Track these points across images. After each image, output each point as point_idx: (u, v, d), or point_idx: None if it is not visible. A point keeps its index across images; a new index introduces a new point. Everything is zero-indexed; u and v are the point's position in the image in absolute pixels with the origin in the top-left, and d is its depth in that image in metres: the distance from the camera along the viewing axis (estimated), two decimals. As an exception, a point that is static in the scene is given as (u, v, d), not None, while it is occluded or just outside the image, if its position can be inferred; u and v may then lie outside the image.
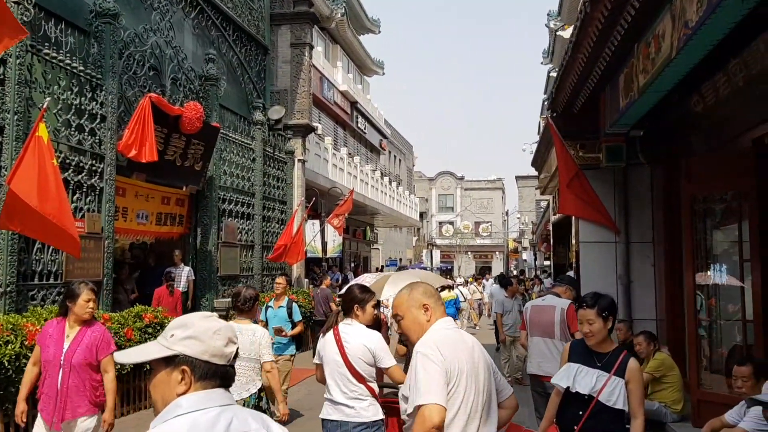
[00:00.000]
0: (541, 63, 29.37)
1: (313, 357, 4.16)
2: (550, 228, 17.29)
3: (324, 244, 16.45)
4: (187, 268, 11.11)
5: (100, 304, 8.24)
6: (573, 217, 8.95)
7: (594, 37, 5.59)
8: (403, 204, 33.26)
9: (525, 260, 43.62)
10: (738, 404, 4.21)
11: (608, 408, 3.37)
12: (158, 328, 8.23)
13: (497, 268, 57.28)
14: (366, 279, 8.63)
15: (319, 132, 19.08)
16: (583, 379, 3.46)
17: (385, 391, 4.69)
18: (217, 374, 1.68)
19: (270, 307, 7.79)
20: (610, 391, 3.37)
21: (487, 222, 59.48)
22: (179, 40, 11.18)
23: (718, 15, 3.95)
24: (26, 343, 5.99)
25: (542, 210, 48.06)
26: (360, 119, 30.30)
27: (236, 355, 1.75)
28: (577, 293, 5.85)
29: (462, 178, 62.16)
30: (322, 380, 4.01)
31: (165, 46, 10.45)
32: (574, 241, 8.85)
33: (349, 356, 3.85)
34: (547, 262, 35.72)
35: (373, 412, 3.85)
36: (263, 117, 13.51)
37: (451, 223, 59.27)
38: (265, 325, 7.44)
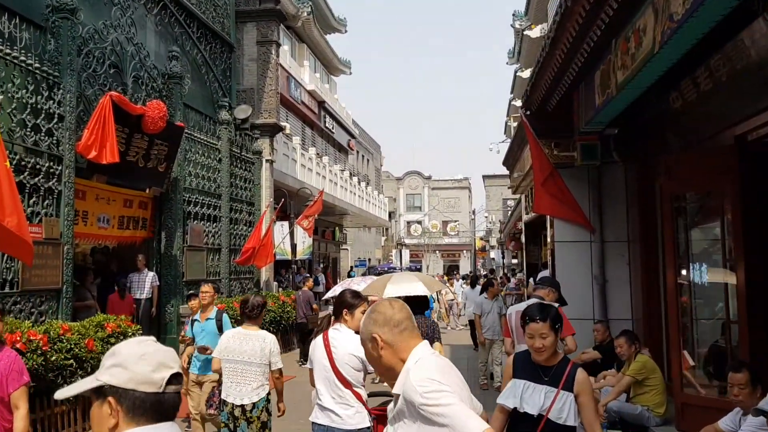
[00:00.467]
0: (507, 63, 29.55)
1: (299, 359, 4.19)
2: (522, 227, 17.26)
3: (293, 246, 16.15)
4: (151, 274, 10.73)
5: (59, 313, 7.86)
6: (548, 217, 8.85)
7: (573, 32, 5.46)
8: (372, 204, 33.06)
9: (493, 259, 43.78)
10: (732, 411, 4.09)
11: (559, 426, 3.18)
12: (121, 337, 7.86)
13: (465, 266, 57.48)
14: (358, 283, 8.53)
15: (287, 132, 18.76)
16: (531, 397, 3.26)
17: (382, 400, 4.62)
18: (147, 404, 1.52)
19: (196, 320, 6.87)
20: (560, 407, 3.18)
21: (455, 221, 59.67)
22: (141, 37, 10.79)
23: (707, 7, 3.83)
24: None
25: (509, 209, 48.32)
26: (328, 119, 30.00)
27: (177, 381, 1.58)
28: (559, 294, 5.67)
29: (429, 178, 62.31)
30: (314, 384, 4.04)
31: (126, 43, 10.05)
32: (549, 240, 8.75)
33: (336, 361, 3.87)
34: (515, 261, 35.87)
35: (359, 419, 3.85)
36: (229, 116, 13.17)
37: (419, 222, 59.32)
38: (192, 341, 6.80)
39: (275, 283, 15.35)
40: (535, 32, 19.07)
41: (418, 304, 5.95)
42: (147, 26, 11.22)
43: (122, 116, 8.98)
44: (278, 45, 15.58)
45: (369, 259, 43.02)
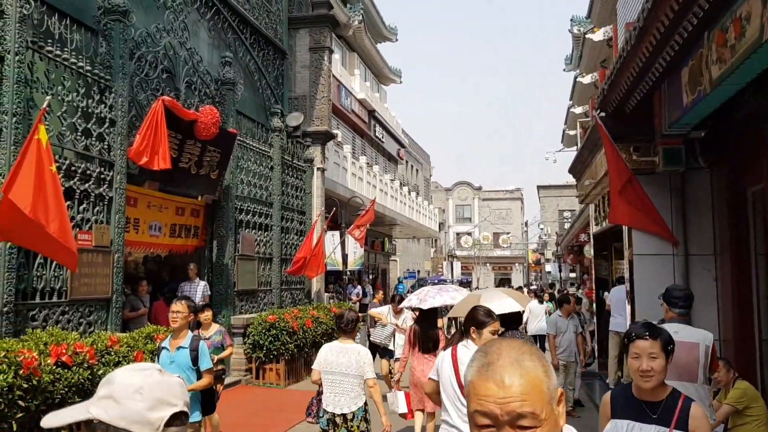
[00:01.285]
0: (564, 70, 28.68)
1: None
2: (589, 238, 16.43)
3: (344, 257, 15.73)
4: (202, 283, 10.43)
5: (109, 324, 7.58)
6: (624, 228, 8.14)
7: (667, 20, 4.85)
8: (422, 214, 32.52)
9: (549, 272, 42.58)
10: None
11: None
12: (171, 350, 7.53)
13: (517, 279, 56.28)
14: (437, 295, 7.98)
15: (338, 140, 18.42)
16: None
17: None
18: None
19: (165, 348, 5.40)
20: None
21: (507, 233, 58.56)
22: (194, 42, 10.57)
23: None
24: (21, 372, 5.30)
25: (566, 220, 47.06)
26: (378, 128, 29.68)
27: (180, 422, 1.36)
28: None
29: (479, 189, 61.50)
30: (432, 395, 3.98)
31: (179, 48, 9.83)
32: (627, 253, 8.03)
33: (464, 380, 3.43)
34: (572, 275, 34.74)
35: None
36: (281, 123, 12.86)
37: (469, 233, 58.44)
38: None
39: (326, 294, 14.94)
40: (598, 35, 18.28)
41: (513, 320, 5.90)
42: (200, 31, 11.01)
43: (175, 122, 8.72)
44: (331, 51, 15.27)
45: (418, 271, 42.42)
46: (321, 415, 5.23)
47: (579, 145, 28.46)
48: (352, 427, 5.07)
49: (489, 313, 4.07)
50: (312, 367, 5.43)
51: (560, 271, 35.71)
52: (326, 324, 12.37)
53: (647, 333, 2.83)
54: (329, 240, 15.65)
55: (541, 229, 49.20)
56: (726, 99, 5.77)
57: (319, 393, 5.36)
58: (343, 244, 15.59)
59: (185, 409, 1.37)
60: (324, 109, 14.55)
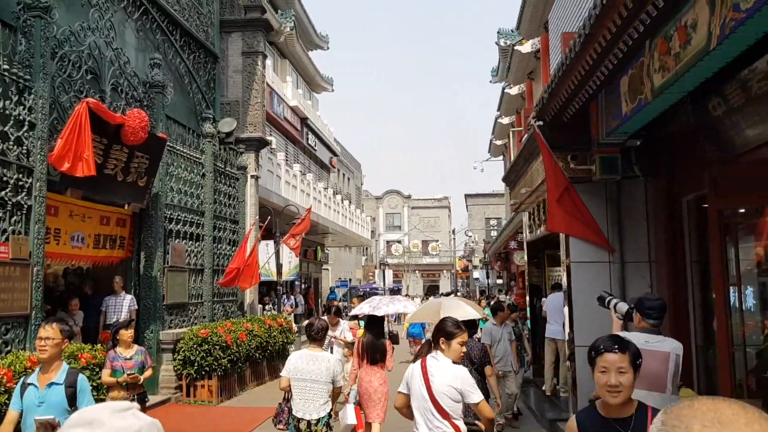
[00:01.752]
0: (490, 81, 29.20)
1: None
2: (520, 245, 16.69)
3: (279, 266, 15.36)
4: (129, 297, 9.90)
5: (27, 342, 7.03)
6: (562, 236, 8.24)
7: (614, 27, 4.88)
8: (354, 223, 32.37)
9: (477, 279, 43.19)
10: None
11: None
12: (96, 370, 7.06)
13: (445, 286, 56.91)
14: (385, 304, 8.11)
15: (272, 146, 18.06)
16: None
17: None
18: None
19: (32, 385, 4.16)
20: None
21: (435, 241, 59.23)
22: (121, 42, 10.07)
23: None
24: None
25: (492, 228, 48.00)
26: (310, 136, 29.37)
27: None
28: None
29: (409, 197, 62.02)
30: (402, 409, 3.98)
31: (105, 48, 9.33)
32: (564, 261, 8.12)
33: (435, 391, 3.77)
34: (499, 281, 35.34)
35: None
36: (213, 129, 12.45)
37: (399, 242, 58.77)
38: (19, 417, 4.12)
39: (260, 306, 14.54)
40: (526, 47, 18.67)
41: (469, 328, 5.99)
42: (127, 31, 10.51)
43: (100, 125, 8.25)
44: (264, 56, 14.96)
45: (350, 279, 42.20)
46: (290, 421, 5.40)
47: (506, 154, 29.06)
48: (316, 431, 5.26)
49: (458, 324, 4.07)
50: (281, 374, 5.62)
51: (488, 277, 36.27)
52: (261, 337, 12.00)
53: (616, 346, 2.73)
54: (263, 250, 15.26)
55: (469, 236, 49.93)
56: (667, 107, 5.90)
57: (287, 400, 5.52)
58: (277, 253, 15.23)
59: None
60: (258, 115, 14.20)
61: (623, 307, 4.61)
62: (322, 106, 46.45)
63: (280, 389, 5.64)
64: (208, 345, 10.17)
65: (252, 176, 14.09)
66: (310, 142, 29.17)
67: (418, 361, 3.96)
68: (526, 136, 9.82)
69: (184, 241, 11.37)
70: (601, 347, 2.78)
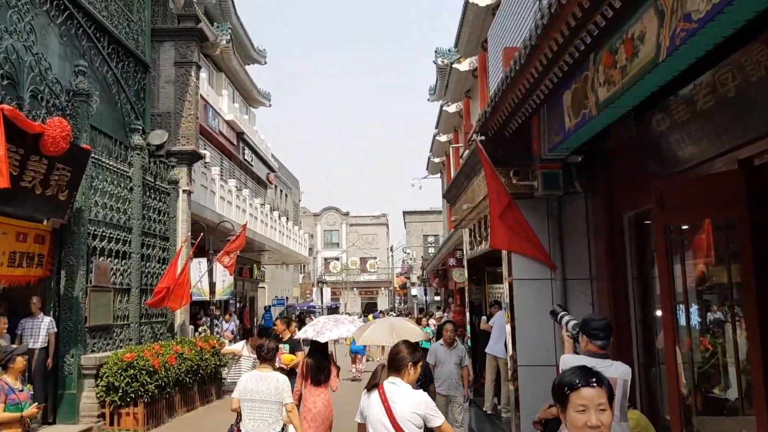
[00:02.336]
0: (428, 100, 29.44)
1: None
2: (459, 262, 16.62)
3: (212, 285, 14.75)
4: (47, 319, 9.20)
5: (-75, 371, 6.33)
6: (504, 253, 8.11)
7: (561, 38, 4.77)
8: (291, 239, 31.81)
9: (415, 296, 43.18)
10: None
11: None
12: None
13: (383, 303, 56.77)
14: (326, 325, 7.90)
15: (206, 160, 17.47)
16: None
17: None
18: None
19: None
20: None
21: (373, 257, 59.12)
22: (42, 47, 9.45)
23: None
24: None
25: (430, 245, 48.23)
26: (247, 151, 28.78)
27: None
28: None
29: (347, 214, 61.92)
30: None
31: (23, 52, 8.71)
32: (506, 278, 7.99)
33: (398, 418, 3.69)
34: (437, 298, 35.40)
35: None
36: (142, 141, 11.86)
37: (338, 259, 58.37)
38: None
39: (191, 327, 13.89)
40: (464, 65, 18.83)
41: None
42: (50, 36, 9.88)
43: (17, 135, 7.66)
44: (198, 67, 14.46)
45: (287, 297, 41.45)
46: None
47: (443, 172, 29.23)
48: None
49: (416, 347, 4.13)
50: (231, 395, 5.69)
51: (426, 294, 36.30)
52: (191, 360, 11.41)
53: (593, 380, 2.28)
54: (195, 268, 14.64)
55: (407, 253, 50.03)
56: (612, 121, 5.84)
57: (238, 422, 5.61)
58: (210, 272, 14.63)
59: None
60: (191, 128, 13.67)
61: (571, 327, 4.45)
62: (259, 121, 45.87)
63: (231, 410, 5.70)
64: (133, 370, 9.54)
65: (184, 191, 13.52)
66: (246, 157, 28.57)
67: (373, 390, 3.85)
68: (466, 152, 9.73)
69: (110, 259, 10.71)
70: (577, 382, 2.31)
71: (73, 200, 9.40)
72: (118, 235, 11.00)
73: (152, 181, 12.35)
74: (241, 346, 10.16)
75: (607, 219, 7.41)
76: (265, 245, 24.40)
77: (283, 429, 5.50)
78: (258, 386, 5.41)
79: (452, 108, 22.54)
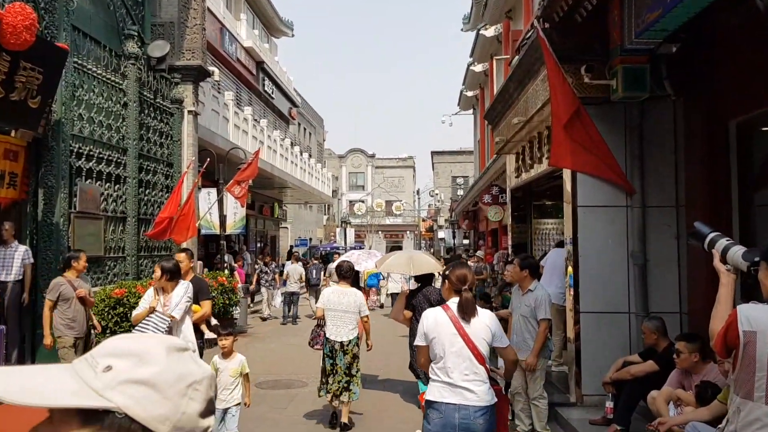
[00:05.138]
0: (461, 29, 27.32)
1: None
2: (496, 198, 15.04)
3: (222, 218, 13.41)
4: (22, 248, 7.90)
5: None
6: (567, 173, 6.52)
7: None
8: (315, 177, 30.35)
9: (442, 239, 41.74)
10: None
11: None
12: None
13: (408, 247, 55.53)
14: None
15: (216, 79, 15.91)
16: None
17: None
18: None
19: None
20: None
21: (399, 200, 57.72)
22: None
23: None
24: None
25: (459, 186, 46.41)
26: (267, 82, 27.10)
27: None
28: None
29: (373, 156, 60.37)
30: (426, 364, 3.76)
31: (-21, -76, 7.14)
32: (569, 203, 6.42)
33: (472, 336, 3.59)
34: (466, 241, 33.92)
35: (492, 395, 3.63)
36: (138, 50, 10.30)
37: (363, 201, 57.10)
38: None
39: (200, 262, 12.62)
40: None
41: (428, 279, 7.46)
42: None
43: (-37, 19, 6.15)
44: (206, -29, 12.71)
45: (310, 239, 40.38)
46: (325, 343, 6.49)
47: (477, 108, 27.28)
48: (347, 350, 6.37)
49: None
50: (316, 305, 6.90)
51: (454, 237, 34.84)
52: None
53: None
54: (204, 199, 13.30)
55: (434, 195, 48.39)
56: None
57: (320, 326, 6.63)
58: (220, 203, 13.26)
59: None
60: (196, 40, 12.06)
61: (740, 257, 2.80)
62: (282, 52, 44.00)
63: (316, 318, 6.88)
64: (123, 308, 8.28)
65: (189, 112, 12.01)
66: (266, 88, 26.91)
67: (440, 310, 3.73)
68: (516, 58, 8.01)
69: (99, 182, 9.34)
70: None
71: (49, 110, 7.97)
72: (109, 155, 9.59)
73: (151, 97, 10.86)
74: (150, 297, 6.07)
75: (707, 129, 5.76)
76: (286, 182, 22.98)
77: (359, 335, 6.50)
78: (340, 299, 6.42)
79: (490, 32, 20.46)
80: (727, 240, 2.82)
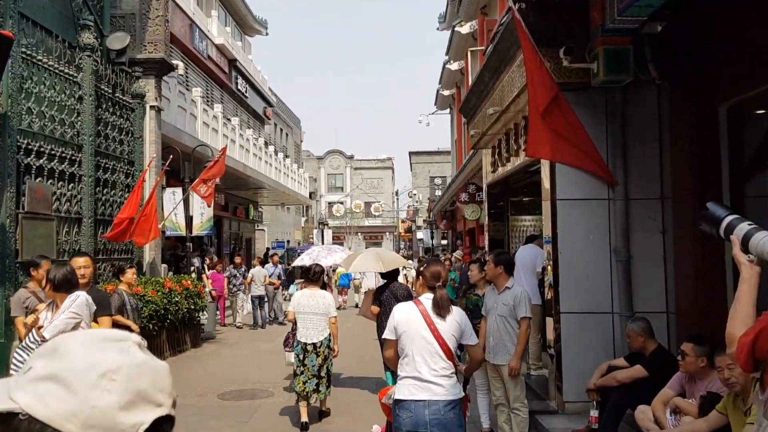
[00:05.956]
0: (437, 28, 27.03)
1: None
2: (474, 197, 14.68)
3: (188, 219, 12.84)
4: (-38, 251, 7.33)
5: None
6: (545, 165, 6.12)
7: None
8: (291, 179, 29.80)
9: (421, 239, 41.37)
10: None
11: None
12: None
13: (387, 248, 55.15)
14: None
15: (180, 73, 15.33)
16: None
17: None
18: None
19: None
20: None
21: (378, 202, 57.38)
22: None
23: None
24: None
25: (437, 187, 46.08)
26: (240, 80, 26.49)
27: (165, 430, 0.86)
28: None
29: (352, 158, 60.07)
30: (393, 358, 3.75)
31: None
32: (548, 197, 6.02)
33: (441, 332, 3.59)
34: (444, 242, 33.59)
35: (459, 389, 3.65)
36: (94, 41, 9.73)
37: (342, 203, 56.63)
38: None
39: (164, 266, 12.05)
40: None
41: (394, 275, 7.65)
42: None
43: None
44: (169, -40, 12.17)
45: (288, 241, 39.75)
46: (295, 344, 6.69)
47: (453, 107, 26.95)
48: (318, 351, 6.51)
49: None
50: (288, 309, 7.31)
51: (432, 238, 34.53)
52: (156, 303, 9.59)
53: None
54: (169, 199, 12.74)
55: (413, 196, 48.03)
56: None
57: (293, 329, 6.91)
58: (186, 202, 12.69)
59: (173, 412, 0.86)
60: (159, 32, 11.51)
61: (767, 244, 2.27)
62: (256, 51, 43.30)
63: (288, 321, 7.29)
64: (74, 314, 7.71)
65: (152, 107, 11.45)
66: (239, 87, 26.31)
67: (411, 305, 3.72)
68: (490, 47, 7.60)
69: (51, 180, 8.76)
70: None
71: (-9, 102, 7.40)
72: (63, 152, 9.01)
73: (110, 92, 10.29)
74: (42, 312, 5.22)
75: (695, 114, 5.39)
76: (261, 182, 22.42)
77: (329, 335, 6.65)
78: (309, 302, 6.62)
79: (465, 28, 20.12)
80: (750, 224, 2.28)
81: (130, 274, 7.37)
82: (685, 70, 5.38)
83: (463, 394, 3.68)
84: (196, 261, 14.82)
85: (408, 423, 3.51)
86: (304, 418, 6.41)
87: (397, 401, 3.59)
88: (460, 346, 3.78)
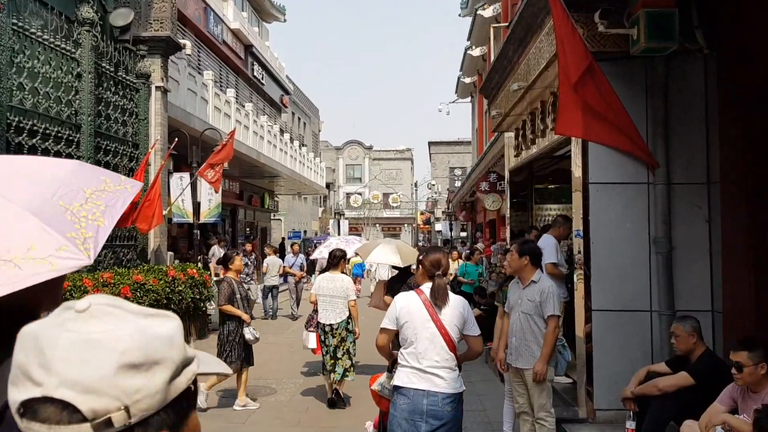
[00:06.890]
0: (459, 15, 26.35)
1: None
2: (495, 186, 14.02)
3: (196, 205, 12.35)
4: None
5: None
6: (575, 143, 5.49)
7: None
8: (308, 168, 29.29)
9: (440, 231, 40.68)
10: None
11: None
12: None
13: (405, 240, 54.56)
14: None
15: (188, 53, 14.82)
16: None
17: None
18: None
19: None
20: None
21: (396, 193, 56.77)
22: None
23: None
24: None
25: (456, 177, 45.34)
26: (257, 67, 26.00)
27: None
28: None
29: (370, 148, 59.47)
30: (386, 347, 3.77)
31: None
32: (578, 181, 5.39)
33: (445, 323, 3.54)
34: (463, 234, 32.91)
35: (461, 383, 3.60)
36: (94, 15, 9.23)
37: (360, 193, 56.10)
38: None
39: (170, 253, 11.58)
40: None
41: (407, 271, 7.65)
42: None
43: None
44: (177, -64, 11.64)
45: (305, 231, 39.30)
46: (317, 325, 7.11)
47: (474, 95, 26.22)
48: (335, 333, 6.91)
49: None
50: (311, 291, 7.59)
51: (451, 230, 33.84)
52: (157, 293, 9.11)
53: None
54: (176, 184, 12.25)
55: (432, 187, 47.32)
56: None
57: (315, 311, 7.20)
58: (194, 187, 12.20)
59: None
60: (165, 9, 10.99)
61: None
62: (274, 38, 42.86)
63: (310, 302, 7.36)
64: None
65: (158, 88, 10.96)
66: (256, 73, 25.82)
67: (413, 295, 3.64)
68: (515, 16, 6.94)
69: (46, 161, 8.30)
70: None
71: (-22, 75, 6.93)
72: (58, 131, 8.53)
73: (112, 70, 9.80)
74: None
75: (747, 89, 4.70)
76: (277, 171, 21.92)
77: (349, 318, 6.94)
78: (329, 285, 6.97)
79: (488, 11, 19.37)
80: None
81: (238, 261, 7.28)
82: (739, 37, 4.71)
83: (464, 388, 3.62)
84: (215, 249, 14.26)
85: (405, 409, 3.48)
86: (329, 395, 6.99)
87: (397, 387, 3.57)
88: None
